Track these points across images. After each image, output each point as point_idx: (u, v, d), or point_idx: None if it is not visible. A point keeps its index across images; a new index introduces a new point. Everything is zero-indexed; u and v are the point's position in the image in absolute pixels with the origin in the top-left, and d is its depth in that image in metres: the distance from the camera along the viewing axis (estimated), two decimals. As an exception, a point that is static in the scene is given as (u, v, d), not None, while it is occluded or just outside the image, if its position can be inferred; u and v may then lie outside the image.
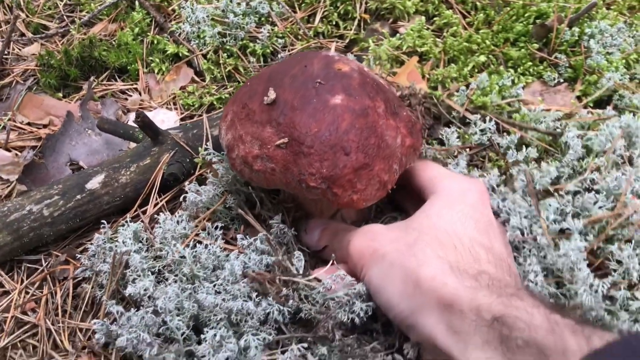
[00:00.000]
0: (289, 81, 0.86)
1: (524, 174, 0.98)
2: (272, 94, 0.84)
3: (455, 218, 0.84)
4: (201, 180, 1.12)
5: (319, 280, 0.83)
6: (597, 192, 0.92)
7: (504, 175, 1.02)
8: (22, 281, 1.04)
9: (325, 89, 0.83)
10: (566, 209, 0.92)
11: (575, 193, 0.97)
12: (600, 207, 0.90)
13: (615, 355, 0.58)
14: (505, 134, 1.09)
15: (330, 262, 0.85)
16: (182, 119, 1.32)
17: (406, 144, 0.87)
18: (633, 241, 0.85)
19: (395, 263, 0.79)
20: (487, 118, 1.08)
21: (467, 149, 1.07)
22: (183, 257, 0.88)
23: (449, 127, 1.12)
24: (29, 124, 1.33)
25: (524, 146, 1.04)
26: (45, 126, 1.33)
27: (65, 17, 1.56)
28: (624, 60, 1.20)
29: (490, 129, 1.08)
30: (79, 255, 1.03)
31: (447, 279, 0.74)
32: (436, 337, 0.72)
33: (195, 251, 0.89)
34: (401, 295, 0.77)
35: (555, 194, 0.95)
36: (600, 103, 1.18)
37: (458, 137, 1.07)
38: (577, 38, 1.25)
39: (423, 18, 1.39)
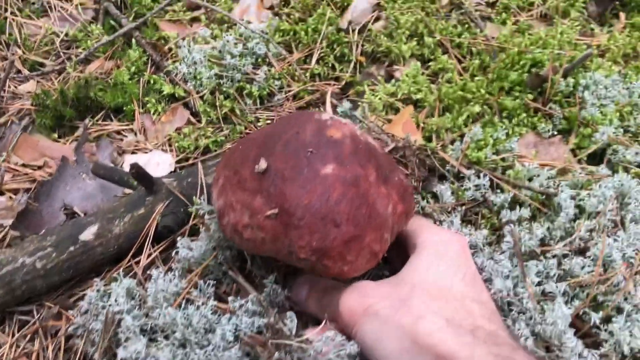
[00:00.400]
0: (280, 148, 0.86)
1: (510, 235, 0.99)
2: (263, 164, 0.84)
3: (444, 271, 0.85)
4: (195, 230, 1.12)
5: (311, 342, 0.83)
6: (588, 257, 0.93)
7: (496, 234, 1.03)
8: (14, 334, 1.04)
9: (316, 158, 0.83)
10: (550, 272, 0.93)
11: (565, 256, 0.97)
12: (588, 272, 0.91)
13: None
14: (499, 190, 1.09)
15: (323, 322, 0.85)
16: (177, 162, 1.32)
17: (398, 211, 0.87)
18: (625, 312, 0.85)
19: (390, 319, 0.79)
20: (482, 174, 1.09)
21: (461, 206, 1.07)
22: (174, 319, 0.88)
23: (443, 182, 1.12)
24: (23, 165, 1.32)
25: (517, 205, 1.04)
26: (39, 167, 1.32)
27: (61, 53, 1.56)
28: (617, 113, 1.21)
29: (484, 185, 1.08)
30: (71, 310, 1.03)
31: (445, 335, 0.75)
32: None
33: (187, 314, 0.89)
34: (399, 352, 0.77)
35: (542, 256, 0.96)
36: (595, 156, 1.18)
37: (452, 194, 1.08)
38: (571, 89, 1.26)
39: (419, 63, 1.40)
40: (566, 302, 0.90)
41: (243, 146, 0.92)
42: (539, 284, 0.91)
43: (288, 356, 0.82)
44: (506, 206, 1.05)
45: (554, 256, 0.95)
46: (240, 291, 0.99)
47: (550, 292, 0.90)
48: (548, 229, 1.00)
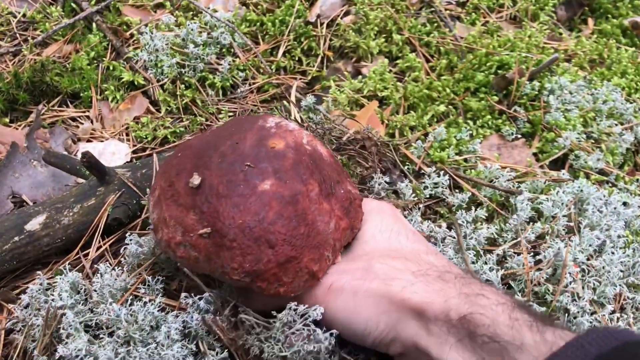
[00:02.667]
0: (217, 161, 0.81)
1: (455, 232, 0.98)
2: (196, 180, 0.80)
3: (388, 236, 0.86)
4: (147, 223, 1.08)
5: (274, 316, 0.80)
6: (537, 259, 0.93)
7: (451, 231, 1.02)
8: (-50, 327, 0.99)
9: (254, 173, 0.79)
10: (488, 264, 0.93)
11: (510, 256, 0.97)
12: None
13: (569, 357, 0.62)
14: (457, 190, 1.08)
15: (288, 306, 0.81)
16: (134, 152, 1.28)
17: (340, 227, 0.83)
18: (570, 313, 0.86)
19: (359, 289, 0.78)
20: (442, 172, 1.08)
21: (420, 203, 1.05)
22: (118, 316, 0.84)
23: (403, 180, 1.10)
24: (-29, 149, 1.27)
25: (475, 205, 1.03)
26: (-11, 153, 1.27)
27: (18, 35, 1.50)
28: (581, 119, 1.20)
29: (443, 183, 1.07)
30: (13, 304, 0.98)
31: (416, 287, 0.75)
32: (419, 343, 0.73)
33: (132, 310, 0.85)
34: (377, 317, 0.76)
35: (488, 253, 0.96)
36: (557, 161, 1.18)
37: (412, 193, 1.06)
38: (537, 92, 1.25)
39: (386, 60, 1.38)
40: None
41: (182, 154, 0.87)
42: (476, 272, 0.92)
43: (254, 337, 0.79)
44: (463, 206, 1.04)
45: (497, 255, 0.95)
46: (191, 289, 0.96)
47: (488, 280, 0.90)
48: (501, 229, 1.00)
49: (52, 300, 0.91)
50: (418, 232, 0.91)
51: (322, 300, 0.80)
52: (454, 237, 0.98)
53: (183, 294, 0.88)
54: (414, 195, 1.07)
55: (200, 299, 0.87)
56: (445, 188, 1.07)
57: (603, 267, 0.92)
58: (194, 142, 0.88)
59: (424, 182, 1.08)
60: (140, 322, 0.84)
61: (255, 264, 0.76)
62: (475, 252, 0.96)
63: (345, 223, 0.84)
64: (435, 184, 1.07)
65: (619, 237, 0.97)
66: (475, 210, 1.01)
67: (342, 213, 0.83)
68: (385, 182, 1.07)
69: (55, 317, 0.90)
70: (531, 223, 1.00)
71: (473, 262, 0.94)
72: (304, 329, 0.76)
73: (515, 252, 0.96)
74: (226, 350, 0.84)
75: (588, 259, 0.93)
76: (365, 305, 0.77)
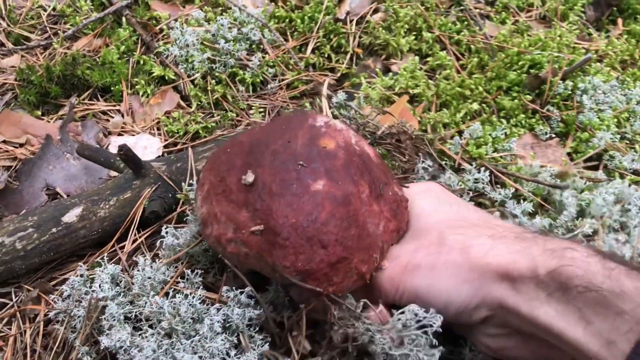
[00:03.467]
0: (269, 158, 0.81)
1: (511, 221, 0.98)
2: (250, 177, 0.79)
3: (448, 208, 0.86)
4: (183, 217, 1.08)
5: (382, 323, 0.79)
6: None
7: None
8: (-10, 317, 1.00)
9: (307, 172, 0.79)
10: None
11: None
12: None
13: None
14: (498, 186, 1.08)
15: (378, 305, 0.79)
16: (165, 146, 1.28)
17: (389, 229, 0.83)
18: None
19: (437, 263, 0.78)
20: (482, 168, 1.07)
21: (466, 193, 1.06)
22: (162, 308, 0.85)
23: (444, 173, 1.10)
24: (4, 142, 1.27)
25: (520, 200, 1.03)
26: (21, 145, 1.27)
27: (48, 28, 1.51)
28: (615, 119, 1.20)
29: (483, 179, 1.06)
30: (51, 294, 0.99)
31: (497, 251, 0.74)
32: (506, 302, 0.72)
33: (174, 303, 0.86)
34: (460, 286, 0.75)
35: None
36: (591, 161, 1.17)
37: (458, 182, 1.06)
38: (570, 92, 1.25)
39: (417, 58, 1.37)
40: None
41: (231, 150, 0.87)
42: None
43: (364, 325, 0.77)
44: (508, 200, 1.04)
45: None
46: (227, 281, 0.96)
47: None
48: (550, 225, 0.99)
49: (93, 291, 0.91)
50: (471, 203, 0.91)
51: (400, 279, 0.79)
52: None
53: (224, 287, 0.88)
54: (460, 184, 1.06)
55: (241, 292, 0.87)
56: (486, 184, 1.06)
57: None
58: (243, 139, 0.88)
59: (464, 176, 1.08)
60: (183, 315, 0.84)
61: (307, 263, 0.75)
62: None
63: (393, 225, 0.83)
64: (476, 179, 1.06)
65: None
66: (523, 203, 1.01)
67: (390, 215, 0.83)
68: (429, 168, 1.06)
69: (97, 308, 0.90)
70: (580, 219, 1.00)
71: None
72: (422, 336, 0.75)
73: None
74: (267, 344, 0.84)
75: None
76: (444, 277, 0.76)
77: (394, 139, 1.10)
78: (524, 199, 1.04)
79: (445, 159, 1.12)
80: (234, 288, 0.87)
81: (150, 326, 0.86)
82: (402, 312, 0.76)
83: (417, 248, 0.81)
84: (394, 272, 0.80)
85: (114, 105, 1.38)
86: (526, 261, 0.71)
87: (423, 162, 1.05)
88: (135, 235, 1.08)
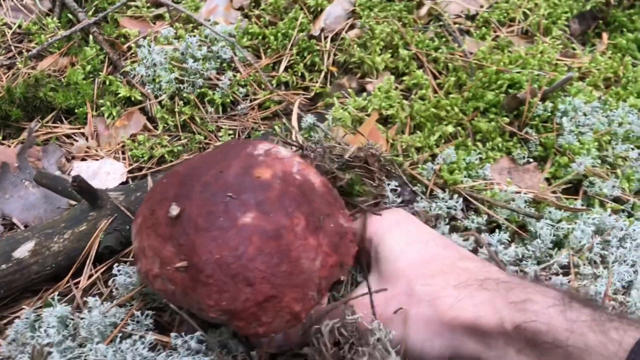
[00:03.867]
0: (199, 190, 0.77)
1: (486, 250, 0.94)
2: (174, 210, 0.75)
3: (418, 248, 0.84)
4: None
5: None
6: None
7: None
8: None
9: (235, 204, 0.74)
10: None
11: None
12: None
13: None
14: (472, 213, 1.03)
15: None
16: (130, 171, 1.23)
17: (328, 264, 0.77)
18: None
19: (409, 316, 0.77)
20: (456, 195, 1.03)
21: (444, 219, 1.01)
22: (105, 357, 0.80)
23: (416, 200, 1.06)
24: (-38, 168, 1.22)
25: (494, 228, 0.99)
26: (-21, 172, 1.22)
27: (13, 47, 1.46)
28: (596, 142, 1.15)
29: (456, 206, 1.02)
30: (2, 332, 0.94)
31: (463, 303, 0.74)
32: (481, 357, 0.73)
33: (120, 349, 0.81)
34: (433, 339, 0.75)
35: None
36: (570, 187, 1.12)
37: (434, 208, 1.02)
38: (549, 114, 1.20)
39: (392, 77, 1.32)
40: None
41: (167, 180, 0.83)
42: None
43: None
44: (483, 229, 1.00)
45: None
46: (183, 323, 0.91)
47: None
48: (523, 255, 0.95)
49: (39, 336, 0.86)
50: (441, 235, 0.90)
51: None
52: (484, 252, 0.95)
53: (173, 334, 0.83)
54: (436, 209, 1.02)
55: (191, 338, 0.82)
56: (460, 211, 1.02)
57: (634, 304, 0.87)
58: (180, 169, 0.84)
59: (437, 203, 1.03)
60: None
61: (232, 302, 0.71)
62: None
63: (333, 260, 0.78)
64: (449, 207, 1.02)
65: (644, 273, 0.92)
66: (499, 233, 0.97)
67: (330, 249, 0.78)
68: (397, 189, 1.02)
69: (42, 354, 0.85)
70: (556, 249, 0.97)
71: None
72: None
73: (544, 274, 0.92)
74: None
75: (614, 294, 0.89)
76: (417, 330, 0.76)
77: (362, 162, 1.05)
78: (499, 227, 0.99)
79: (418, 184, 1.07)
80: (182, 334, 0.82)
81: (94, 375, 0.82)
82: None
83: (388, 298, 0.80)
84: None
85: (79, 128, 1.32)
86: (491, 315, 0.71)
87: (388, 184, 1.00)
88: (91, 270, 1.03)
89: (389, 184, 1.01)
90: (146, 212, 0.81)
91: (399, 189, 1.01)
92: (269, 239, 0.73)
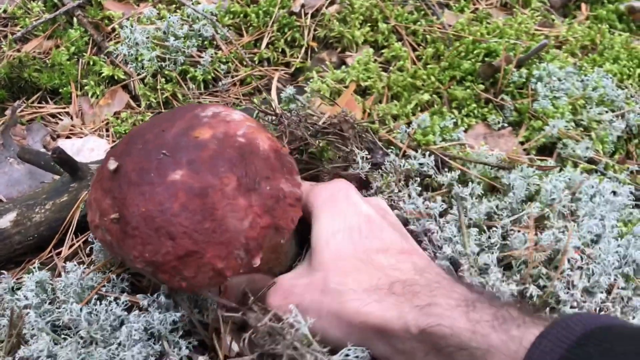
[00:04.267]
0: (138, 147, 0.80)
1: (456, 207, 0.95)
2: (112, 164, 0.78)
3: (340, 237, 0.83)
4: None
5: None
6: (536, 242, 0.89)
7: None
8: None
9: (168, 162, 0.77)
10: (492, 241, 0.90)
11: (512, 232, 0.93)
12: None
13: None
14: (446, 170, 1.04)
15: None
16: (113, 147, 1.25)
17: (259, 225, 0.78)
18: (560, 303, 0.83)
19: (322, 313, 0.77)
20: (427, 153, 1.04)
21: (414, 177, 1.02)
22: (79, 316, 0.82)
23: (388, 157, 1.06)
24: (-52, 147, 1.25)
25: (467, 182, 0.99)
26: (-35, 150, 1.25)
27: (-2, 31, 1.48)
28: (570, 106, 1.16)
29: (428, 163, 1.03)
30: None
31: (370, 307, 0.73)
32: (390, 359, 0.73)
33: (95, 310, 0.83)
34: (345, 336, 0.75)
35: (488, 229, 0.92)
36: (544, 150, 1.14)
37: (404, 165, 1.03)
38: (524, 80, 1.21)
39: (371, 50, 1.34)
40: (504, 279, 0.86)
41: (121, 140, 0.87)
42: (478, 253, 0.89)
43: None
44: (455, 184, 1.00)
45: (500, 227, 0.91)
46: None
47: (485, 264, 0.86)
48: (497, 206, 0.96)
49: (17, 299, 0.89)
50: (372, 217, 0.86)
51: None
52: (453, 214, 0.95)
53: (140, 295, 0.85)
54: (406, 165, 1.03)
55: (158, 295, 0.84)
56: (431, 168, 1.03)
57: (599, 256, 0.88)
58: (133, 128, 0.87)
59: (409, 161, 1.04)
60: (102, 322, 0.81)
61: (154, 255, 0.74)
62: (478, 229, 0.93)
63: (265, 222, 0.79)
64: (421, 163, 1.03)
65: (612, 227, 0.93)
66: (471, 185, 0.97)
67: (262, 211, 0.79)
68: (369, 160, 1.03)
69: (21, 317, 0.88)
70: (529, 202, 0.97)
71: (477, 239, 0.91)
72: None
73: (514, 229, 0.93)
74: (189, 350, 0.81)
75: (585, 247, 0.90)
76: (330, 327, 0.76)
77: (337, 128, 1.06)
78: (472, 181, 1.00)
79: (392, 147, 1.09)
80: (149, 294, 0.84)
81: (70, 335, 0.84)
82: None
83: (306, 289, 0.81)
84: (285, 310, 0.78)
85: (64, 108, 1.35)
86: (397, 320, 0.71)
87: (360, 151, 1.01)
88: (72, 240, 1.05)
89: (360, 150, 1.02)
90: (100, 168, 0.85)
91: (370, 154, 1.03)
92: (195, 196, 0.75)
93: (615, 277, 0.88)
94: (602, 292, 0.86)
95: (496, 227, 0.91)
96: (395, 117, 1.18)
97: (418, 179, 1.03)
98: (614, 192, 1.01)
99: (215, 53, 1.39)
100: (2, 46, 1.42)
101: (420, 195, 1.00)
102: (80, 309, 0.82)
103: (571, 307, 0.84)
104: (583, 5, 1.54)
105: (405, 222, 0.95)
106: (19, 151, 1.13)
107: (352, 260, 0.80)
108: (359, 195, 0.90)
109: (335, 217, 0.85)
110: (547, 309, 0.85)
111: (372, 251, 0.81)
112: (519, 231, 0.91)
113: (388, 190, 1.00)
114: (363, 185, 1.03)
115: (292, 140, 1.02)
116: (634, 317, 0.85)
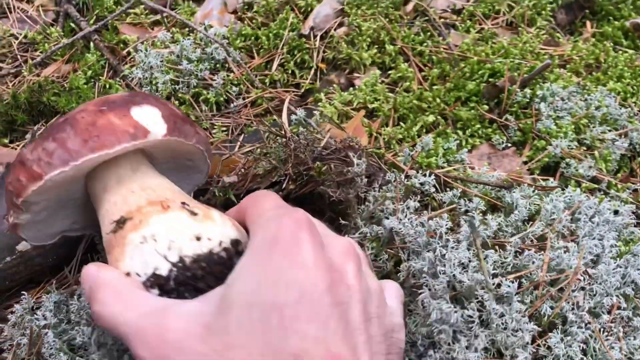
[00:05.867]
0: None
1: (468, 224, 0.96)
2: None
3: (254, 316, 0.60)
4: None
5: None
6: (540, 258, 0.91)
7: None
8: (-56, 346, 1.01)
9: None
10: (506, 263, 0.91)
11: (518, 252, 0.95)
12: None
13: None
14: (447, 189, 1.06)
15: None
16: (128, 169, 1.29)
17: None
18: (567, 322, 0.84)
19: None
20: (427, 172, 1.06)
21: (414, 195, 1.04)
22: (89, 339, 0.85)
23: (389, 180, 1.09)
24: (-29, 170, 1.30)
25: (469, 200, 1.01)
26: (-12, 173, 1.30)
27: (19, 56, 1.54)
28: (573, 125, 1.18)
29: (429, 182, 1.04)
30: (7, 321, 1.01)
31: None
32: None
33: (103, 333, 0.86)
34: None
35: (499, 248, 0.93)
36: (548, 170, 1.16)
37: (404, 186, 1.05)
38: (528, 100, 1.23)
39: (378, 71, 1.37)
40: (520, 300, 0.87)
41: None
42: (495, 275, 0.88)
43: None
44: (456, 201, 1.02)
45: (509, 246, 0.93)
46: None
47: (506, 293, 0.86)
48: (499, 224, 0.97)
49: (37, 319, 0.92)
50: (308, 292, 0.60)
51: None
52: (458, 231, 0.96)
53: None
54: (403, 187, 1.04)
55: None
56: (432, 186, 1.04)
57: (600, 277, 0.90)
58: None
59: (409, 180, 1.06)
60: (110, 346, 0.85)
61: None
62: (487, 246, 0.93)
63: None
64: (422, 183, 1.05)
65: (611, 247, 0.95)
66: (475, 202, 1.00)
67: None
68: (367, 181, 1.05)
69: (40, 337, 0.91)
70: (531, 222, 0.99)
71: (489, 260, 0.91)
72: None
73: (523, 248, 0.94)
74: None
75: (586, 268, 0.92)
76: None
77: (342, 154, 1.09)
78: (472, 200, 1.02)
79: (395, 170, 1.12)
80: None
81: (86, 356, 0.87)
82: None
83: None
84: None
85: (81, 130, 1.39)
86: None
87: (359, 170, 1.02)
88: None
89: (359, 170, 1.04)
90: None
91: (372, 177, 1.05)
92: None
93: (617, 297, 0.89)
94: (605, 314, 0.88)
95: (508, 247, 0.92)
96: (401, 141, 1.21)
97: (418, 197, 1.04)
98: (616, 211, 1.03)
99: (227, 75, 1.43)
100: (23, 71, 1.48)
101: (418, 211, 1.00)
102: (91, 332, 0.85)
103: (578, 327, 0.86)
104: (588, 23, 1.56)
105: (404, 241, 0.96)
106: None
107: (272, 312, 0.59)
108: (315, 240, 0.65)
109: (262, 279, 0.62)
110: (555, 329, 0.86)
111: (283, 354, 0.58)
112: (529, 250, 0.92)
113: (385, 207, 1.01)
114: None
115: (297, 163, 1.05)
116: (634, 338, 0.87)
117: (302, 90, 1.43)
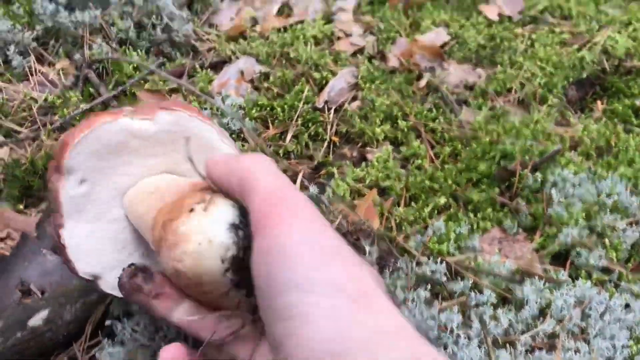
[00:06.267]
0: None
1: (479, 320, 0.96)
2: None
3: (331, 311, 0.59)
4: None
5: None
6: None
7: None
8: None
9: None
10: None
11: (529, 351, 0.95)
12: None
13: None
14: (459, 278, 1.07)
15: None
16: (141, 239, 1.31)
17: None
18: None
19: None
20: (439, 260, 1.07)
21: (424, 283, 1.05)
22: None
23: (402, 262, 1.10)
24: (-14, 236, 1.31)
25: (479, 292, 1.02)
26: (2, 240, 1.31)
27: (38, 120, 1.56)
28: (584, 213, 1.19)
29: (440, 271, 1.06)
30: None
31: None
32: None
33: None
34: None
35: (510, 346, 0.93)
36: (559, 256, 1.16)
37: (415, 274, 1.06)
38: (539, 184, 1.24)
39: (390, 147, 1.39)
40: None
41: None
42: None
43: None
44: (467, 292, 1.03)
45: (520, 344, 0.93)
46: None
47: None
48: (510, 321, 0.98)
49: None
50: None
51: None
52: (472, 327, 0.96)
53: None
54: (413, 275, 1.06)
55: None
56: (443, 275, 1.06)
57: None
58: None
59: (420, 268, 1.07)
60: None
61: None
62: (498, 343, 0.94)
63: None
64: (433, 270, 1.06)
65: (623, 347, 0.95)
66: (487, 294, 1.00)
67: None
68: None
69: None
70: (541, 318, 0.99)
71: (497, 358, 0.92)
72: None
73: (532, 346, 0.94)
74: None
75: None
76: None
77: (354, 237, 1.11)
78: (482, 293, 1.02)
79: (406, 255, 1.12)
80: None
81: None
82: None
83: None
84: None
85: (96, 197, 1.41)
86: None
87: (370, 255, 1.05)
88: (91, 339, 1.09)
89: (370, 260, 1.06)
90: None
91: (382, 262, 1.06)
92: None
93: (630, 402, 0.89)
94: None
95: (519, 345, 0.92)
96: (412, 223, 1.22)
97: (429, 285, 1.05)
98: (627, 305, 1.03)
99: (243, 145, 1.45)
100: (42, 135, 1.51)
101: (429, 303, 1.01)
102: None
103: None
104: (598, 102, 1.58)
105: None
106: (52, 245, 1.19)
107: None
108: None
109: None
110: None
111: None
112: (540, 349, 0.93)
113: (395, 295, 1.02)
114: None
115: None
116: None
117: (316, 162, 1.45)
